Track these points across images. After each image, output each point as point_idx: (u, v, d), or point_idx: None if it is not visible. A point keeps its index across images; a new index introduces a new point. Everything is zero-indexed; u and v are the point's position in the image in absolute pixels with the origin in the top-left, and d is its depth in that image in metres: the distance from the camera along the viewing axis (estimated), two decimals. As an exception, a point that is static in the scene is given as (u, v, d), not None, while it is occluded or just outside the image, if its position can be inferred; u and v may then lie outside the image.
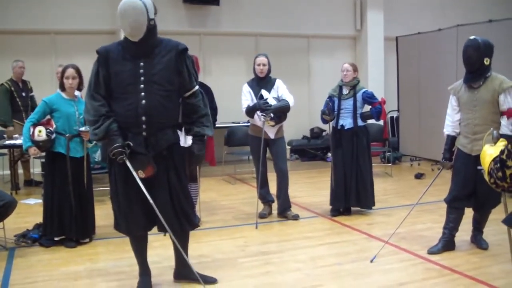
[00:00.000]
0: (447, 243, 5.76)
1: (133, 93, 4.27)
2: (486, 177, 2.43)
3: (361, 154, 7.39)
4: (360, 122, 7.38)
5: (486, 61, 5.38)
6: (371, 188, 7.51)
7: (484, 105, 5.36)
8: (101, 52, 4.35)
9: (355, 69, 7.40)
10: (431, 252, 5.68)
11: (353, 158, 7.36)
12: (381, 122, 7.73)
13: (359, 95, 7.34)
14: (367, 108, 7.54)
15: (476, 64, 5.37)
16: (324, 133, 12.95)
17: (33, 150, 6.01)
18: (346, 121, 7.35)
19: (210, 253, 5.86)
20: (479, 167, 2.97)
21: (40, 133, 5.95)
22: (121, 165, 4.31)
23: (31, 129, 5.97)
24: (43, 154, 6.27)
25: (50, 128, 6.02)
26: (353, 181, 7.36)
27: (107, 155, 4.35)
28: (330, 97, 7.47)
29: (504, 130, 5.23)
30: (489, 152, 2.60)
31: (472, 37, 5.46)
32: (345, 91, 7.40)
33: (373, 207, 7.60)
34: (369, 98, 7.36)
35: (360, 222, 7.12)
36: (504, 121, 5.28)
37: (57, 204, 6.09)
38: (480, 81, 5.43)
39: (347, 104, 7.35)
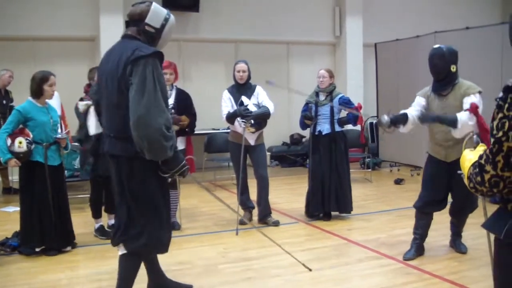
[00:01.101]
0: (419, 248, 5.81)
1: None
2: (465, 181, 2.46)
3: (339, 159, 7.45)
4: (337, 128, 7.47)
5: (453, 68, 5.42)
6: (350, 193, 7.57)
7: (453, 112, 5.36)
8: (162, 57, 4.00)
9: (331, 75, 7.50)
10: (407, 258, 5.70)
11: (331, 163, 7.42)
12: (358, 127, 7.78)
13: (335, 101, 7.42)
14: (344, 113, 7.61)
15: (443, 72, 5.42)
16: (303, 139, 12.98)
17: (13, 162, 5.83)
18: (324, 127, 7.42)
19: (190, 260, 5.85)
20: (459, 172, 2.99)
21: (21, 144, 5.77)
22: (161, 178, 4.00)
23: (9, 140, 5.82)
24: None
25: (29, 138, 5.89)
26: (332, 186, 7.41)
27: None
28: (307, 104, 7.53)
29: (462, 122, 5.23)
30: (469, 157, 2.62)
31: (436, 46, 5.52)
32: (322, 97, 7.49)
33: (352, 212, 7.62)
34: (345, 103, 7.42)
35: (340, 228, 7.15)
36: (465, 115, 5.25)
37: (37, 213, 5.98)
38: (449, 89, 5.47)
39: (324, 110, 7.44)
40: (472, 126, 5.19)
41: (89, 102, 4.47)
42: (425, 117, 5.46)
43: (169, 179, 4.09)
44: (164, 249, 4.18)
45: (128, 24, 4.11)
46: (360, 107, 7.52)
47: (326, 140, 7.43)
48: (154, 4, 4.04)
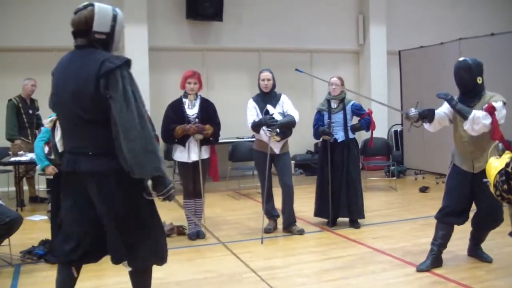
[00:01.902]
0: (435, 260, 5.69)
1: None
2: (491, 189, 2.44)
3: (352, 165, 7.52)
4: (351, 135, 7.54)
5: (479, 80, 5.38)
6: (362, 199, 7.61)
7: None
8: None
9: (342, 83, 7.57)
10: (420, 269, 5.61)
11: (343, 169, 7.48)
12: (369, 134, 7.81)
13: (348, 108, 7.53)
14: (355, 120, 7.74)
15: (470, 84, 5.38)
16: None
17: (51, 169, 5.97)
18: (339, 134, 7.48)
19: (215, 269, 5.86)
20: (484, 180, 2.98)
21: None
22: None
23: (46, 148, 5.95)
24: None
25: None
26: (344, 192, 7.47)
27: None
28: (320, 112, 7.57)
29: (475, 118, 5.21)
30: (495, 165, 2.61)
31: (461, 59, 5.48)
32: (334, 104, 7.56)
33: (376, 221, 7.60)
34: (358, 110, 7.58)
35: (365, 236, 7.11)
36: (480, 113, 5.20)
37: None
38: (475, 101, 5.41)
39: (337, 117, 7.52)
40: (486, 127, 5.16)
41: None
42: (451, 100, 5.40)
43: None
44: (162, 261, 3.95)
45: (75, 34, 3.72)
46: (371, 112, 7.56)
47: (341, 147, 7.49)
48: (97, 5, 3.66)
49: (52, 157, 5.87)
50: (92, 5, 3.65)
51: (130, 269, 3.88)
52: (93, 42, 3.67)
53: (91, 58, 3.60)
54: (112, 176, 3.61)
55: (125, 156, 3.47)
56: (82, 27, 3.65)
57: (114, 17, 3.70)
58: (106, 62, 3.52)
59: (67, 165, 3.73)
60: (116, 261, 3.86)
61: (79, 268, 3.97)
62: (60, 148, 3.93)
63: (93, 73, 3.51)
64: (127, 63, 3.60)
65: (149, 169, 3.51)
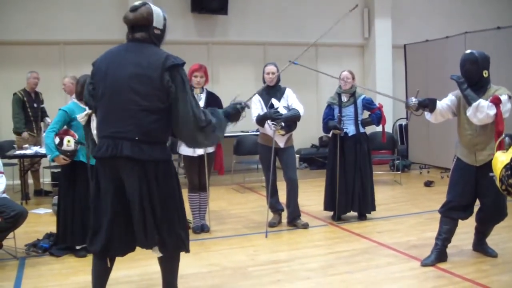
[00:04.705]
0: (440, 254, 5.67)
1: None
2: (497, 183, 2.42)
3: (362, 160, 7.52)
4: (361, 129, 7.55)
5: (485, 74, 5.37)
6: (373, 193, 7.62)
7: None
8: None
9: (353, 77, 7.60)
10: (425, 264, 5.60)
11: (356, 164, 7.47)
12: (380, 128, 7.79)
13: (359, 102, 7.52)
14: (366, 114, 7.74)
15: (476, 77, 5.36)
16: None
17: (61, 159, 6.03)
18: (350, 128, 7.48)
19: (220, 262, 5.86)
20: (491, 174, 2.96)
21: (69, 142, 5.99)
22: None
23: (56, 139, 6.00)
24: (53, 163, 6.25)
25: (75, 138, 6.05)
26: (356, 186, 7.47)
27: None
28: (330, 106, 7.57)
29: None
30: (501, 159, 2.59)
31: (468, 51, 5.45)
32: (345, 98, 7.55)
33: (381, 215, 7.61)
34: (369, 104, 7.57)
35: (370, 230, 7.11)
36: (485, 102, 5.19)
37: (79, 212, 6.08)
38: (481, 94, 5.38)
39: (348, 111, 7.50)
40: (489, 117, 5.14)
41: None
42: (462, 84, 5.38)
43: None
44: (187, 249, 4.16)
45: (134, 29, 3.97)
46: (382, 107, 7.54)
47: (352, 141, 7.47)
48: (151, 4, 4.02)
49: (66, 148, 5.98)
50: (148, 4, 3.99)
51: (160, 255, 4.06)
52: (152, 36, 3.97)
53: (152, 51, 3.92)
54: (154, 164, 3.84)
55: (187, 138, 4.02)
56: (144, 22, 3.94)
57: (164, 17, 4.04)
58: (170, 58, 3.85)
59: (106, 150, 3.85)
60: (147, 246, 4.02)
61: (112, 259, 4.13)
62: (97, 141, 4.06)
63: (158, 64, 3.80)
64: (184, 64, 3.94)
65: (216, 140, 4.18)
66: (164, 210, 3.90)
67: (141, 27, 3.95)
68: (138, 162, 3.80)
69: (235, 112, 4.35)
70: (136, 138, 3.79)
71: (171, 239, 3.97)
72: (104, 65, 3.96)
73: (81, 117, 4.29)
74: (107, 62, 3.97)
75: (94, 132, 4.16)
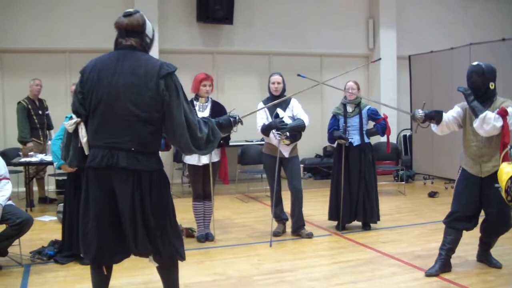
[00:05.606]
0: (444, 265, 5.67)
1: None
2: (503, 194, 2.43)
3: (367, 170, 7.54)
4: (366, 139, 7.58)
5: (491, 86, 5.39)
6: (377, 203, 7.64)
7: None
8: None
9: (358, 87, 7.64)
10: (429, 274, 5.60)
11: (360, 174, 7.49)
12: (385, 138, 7.81)
13: (364, 112, 7.56)
14: (371, 125, 7.78)
15: (482, 89, 5.38)
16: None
17: (68, 167, 6.00)
18: (355, 138, 7.50)
19: (224, 271, 5.86)
20: (496, 185, 2.97)
21: None
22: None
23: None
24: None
25: None
26: (360, 196, 7.49)
27: None
28: (335, 116, 7.60)
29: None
30: (507, 170, 2.60)
31: (475, 63, 5.47)
32: (350, 108, 7.58)
33: (385, 225, 7.62)
34: (374, 114, 7.59)
35: (374, 240, 7.11)
36: (492, 114, 5.19)
37: None
38: (487, 106, 5.40)
39: (353, 121, 7.53)
40: (496, 129, 5.15)
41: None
42: (469, 95, 5.39)
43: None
44: (182, 257, 4.10)
45: (128, 34, 3.90)
46: (386, 117, 7.56)
47: (356, 151, 7.49)
48: (142, 13, 4.00)
49: None
50: (140, 12, 3.98)
51: (156, 264, 4.06)
52: (144, 43, 3.96)
53: (147, 59, 3.87)
54: (150, 174, 3.82)
55: (183, 145, 3.89)
56: (139, 28, 3.93)
57: (152, 27, 4.06)
58: (164, 66, 3.83)
59: (101, 160, 3.79)
60: (139, 255, 4.04)
61: (109, 267, 4.10)
62: (88, 150, 3.99)
63: (154, 72, 3.77)
64: (176, 70, 3.89)
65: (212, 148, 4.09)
66: (157, 219, 3.86)
67: (135, 33, 3.90)
68: (134, 173, 3.76)
69: (228, 125, 4.36)
70: (133, 149, 3.76)
71: (165, 248, 3.94)
72: (96, 73, 3.86)
73: (69, 125, 4.19)
74: (98, 70, 3.87)
75: (84, 140, 4.07)
